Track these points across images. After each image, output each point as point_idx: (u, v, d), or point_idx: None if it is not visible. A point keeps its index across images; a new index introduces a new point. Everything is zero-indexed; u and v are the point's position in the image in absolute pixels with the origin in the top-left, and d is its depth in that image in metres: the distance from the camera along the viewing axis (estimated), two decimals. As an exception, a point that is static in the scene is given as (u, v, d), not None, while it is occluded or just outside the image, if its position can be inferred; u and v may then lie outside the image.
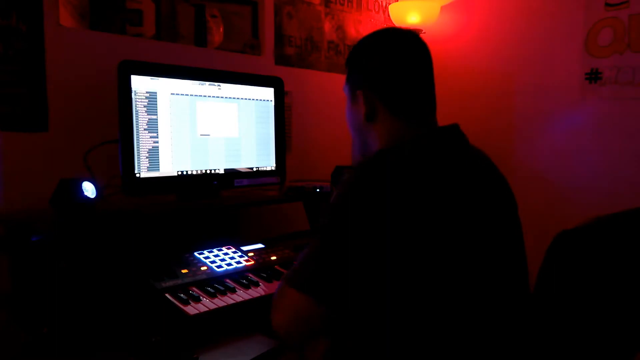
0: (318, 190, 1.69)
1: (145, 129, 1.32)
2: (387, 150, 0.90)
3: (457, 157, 0.92)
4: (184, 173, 1.42)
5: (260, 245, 1.46)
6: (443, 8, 2.33)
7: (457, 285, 0.83)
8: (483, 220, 0.89)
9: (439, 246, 0.82)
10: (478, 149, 0.98)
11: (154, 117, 1.34)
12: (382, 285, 0.82)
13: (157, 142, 1.35)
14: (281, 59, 2.00)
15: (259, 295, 1.19)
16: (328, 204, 0.88)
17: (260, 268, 1.34)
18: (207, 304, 1.10)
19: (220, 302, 1.12)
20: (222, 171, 1.52)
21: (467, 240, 0.85)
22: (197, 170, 1.45)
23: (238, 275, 1.27)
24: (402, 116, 0.95)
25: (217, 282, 1.21)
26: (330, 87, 2.19)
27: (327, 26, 2.19)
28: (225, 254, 1.36)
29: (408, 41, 0.97)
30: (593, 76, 1.96)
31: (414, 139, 0.91)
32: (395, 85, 0.95)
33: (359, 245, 0.81)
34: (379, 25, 2.44)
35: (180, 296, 1.11)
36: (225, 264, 1.30)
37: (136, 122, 1.31)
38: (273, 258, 1.41)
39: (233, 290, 1.18)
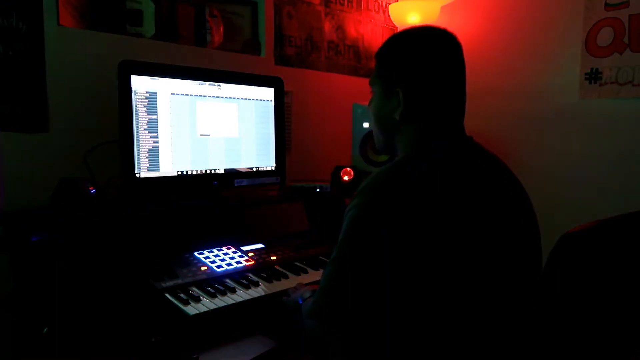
0: (318, 190, 1.69)
1: (145, 129, 1.32)
2: (404, 164, 0.91)
3: (477, 169, 0.92)
4: (184, 173, 1.42)
5: (260, 245, 1.46)
6: (443, 8, 2.33)
7: (476, 293, 0.84)
8: (507, 233, 0.89)
9: (464, 259, 0.83)
10: (494, 156, 0.98)
11: (154, 117, 1.34)
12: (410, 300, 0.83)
13: (157, 142, 1.35)
14: (281, 59, 2.00)
15: (259, 295, 1.19)
16: (349, 210, 0.88)
17: (260, 268, 1.34)
18: (207, 304, 1.10)
19: (220, 302, 1.12)
20: (222, 171, 1.52)
21: (489, 251, 0.86)
22: (197, 170, 1.45)
23: (238, 275, 1.27)
24: (436, 120, 0.95)
25: (217, 282, 1.21)
26: (330, 87, 2.19)
27: (327, 26, 2.18)
28: (225, 254, 1.36)
29: (452, 44, 0.96)
30: (593, 76, 1.95)
31: (435, 151, 0.92)
32: (439, 89, 0.94)
33: (388, 264, 0.82)
34: (379, 25, 2.44)
35: (180, 296, 1.11)
36: (225, 264, 1.30)
37: (136, 122, 1.30)
38: (273, 258, 1.41)
39: (233, 290, 1.18)
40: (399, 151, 1.00)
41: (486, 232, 0.86)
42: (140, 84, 1.31)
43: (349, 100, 1.89)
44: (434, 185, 0.84)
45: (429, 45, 0.95)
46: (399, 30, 1.90)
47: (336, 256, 0.88)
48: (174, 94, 1.39)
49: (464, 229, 0.83)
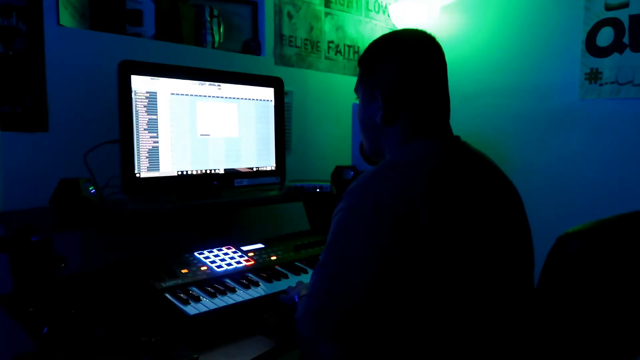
0: (318, 190, 1.69)
1: (145, 129, 1.32)
2: (390, 165, 0.91)
3: (466, 168, 0.92)
4: (184, 173, 1.42)
5: (260, 245, 1.46)
6: (443, 8, 2.33)
7: (472, 293, 0.84)
8: (497, 231, 0.89)
9: (457, 259, 0.82)
10: (482, 154, 0.98)
11: (154, 117, 1.34)
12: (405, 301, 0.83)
13: (157, 142, 1.35)
14: (281, 59, 2.00)
15: (259, 295, 1.19)
16: (336, 214, 0.88)
17: (260, 268, 1.34)
18: (207, 304, 1.10)
19: (220, 302, 1.12)
20: (222, 171, 1.52)
21: (484, 251, 0.85)
22: (197, 170, 1.45)
23: (238, 275, 1.27)
24: (420, 121, 0.95)
25: (217, 282, 1.21)
26: (330, 87, 2.19)
27: (327, 26, 2.19)
28: (225, 254, 1.36)
29: (430, 45, 0.97)
30: (593, 76, 1.95)
31: (421, 151, 0.92)
32: (417, 90, 0.94)
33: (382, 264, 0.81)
34: (379, 25, 2.44)
35: (180, 296, 1.11)
36: (225, 264, 1.30)
37: (136, 122, 1.30)
38: (273, 258, 1.41)
39: (233, 290, 1.18)
40: (386, 155, 1.01)
41: (477, 230, 0.86)
42: (140, 84, 1.31)
43: (349, 101, 1.88)
44: (422, 185, 0.83)
45: (404, 48, 0.96)
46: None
47: (325, 261, 0.88)
48: (174, 94, 1.39)
49: (453, 228, 0.83)
